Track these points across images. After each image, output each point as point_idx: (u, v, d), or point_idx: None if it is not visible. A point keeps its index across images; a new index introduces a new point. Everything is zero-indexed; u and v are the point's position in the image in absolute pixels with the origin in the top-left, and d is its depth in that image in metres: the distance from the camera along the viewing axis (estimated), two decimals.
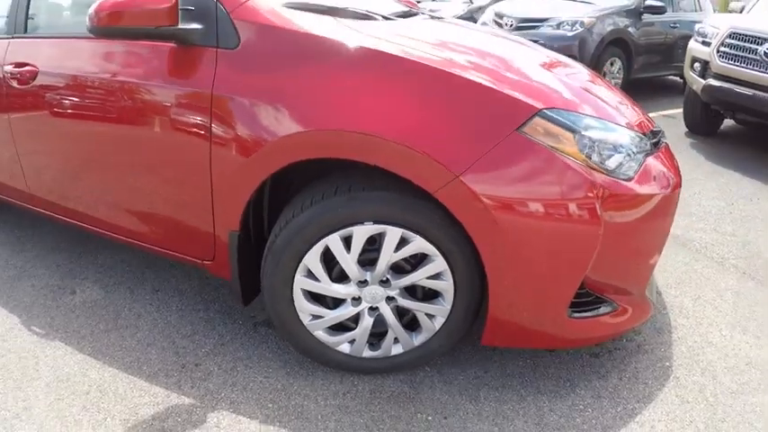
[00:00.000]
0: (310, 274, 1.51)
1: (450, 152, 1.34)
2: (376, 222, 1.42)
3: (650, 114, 5.33)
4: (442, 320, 1.56)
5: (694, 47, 4.69)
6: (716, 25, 4.49)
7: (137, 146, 1.78)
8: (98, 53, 1.87)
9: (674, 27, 6.60)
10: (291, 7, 1.65)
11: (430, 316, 1.57)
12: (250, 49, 1.54)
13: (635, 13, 6.14)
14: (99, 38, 1.79)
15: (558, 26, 5.81)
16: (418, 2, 10.36)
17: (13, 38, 2.22)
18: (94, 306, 2.22)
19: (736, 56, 4.18)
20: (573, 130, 1.41)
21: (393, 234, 1.43)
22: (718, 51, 4.30)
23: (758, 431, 1.58)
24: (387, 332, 1.60)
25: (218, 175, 1.58)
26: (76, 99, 1.92)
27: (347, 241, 1.46)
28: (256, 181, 1.51)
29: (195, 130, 1.60)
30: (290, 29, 1.52)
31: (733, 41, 4.21)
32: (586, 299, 1.55)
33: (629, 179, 1.47)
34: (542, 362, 1.82)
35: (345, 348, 1.64)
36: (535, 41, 5.29)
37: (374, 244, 1.51)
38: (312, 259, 1.48)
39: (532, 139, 1.37)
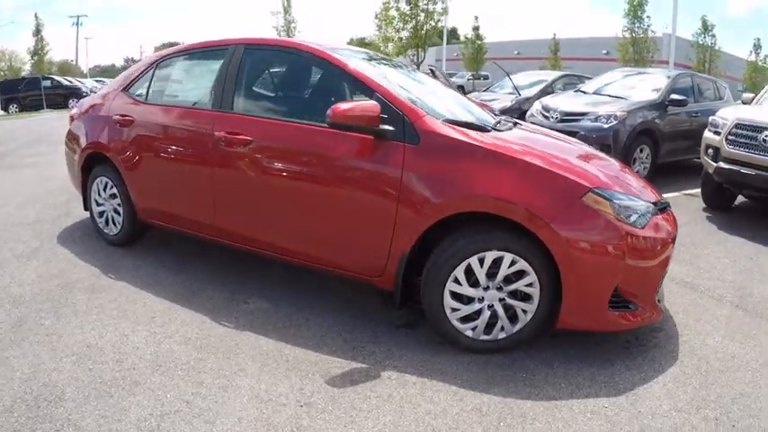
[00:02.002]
0: (456, 281, 2.58)
1: (546, 210, 2.46)
2: (498, 250, 2.52)
3: (673, 193, 6.45)
4: (531, 314, 2.61)
5: (708, 135, 5.75)
6: (725, 117, 5.56)
7: (335, 199, 2.86)
8: (310, 134, 2.96)
9: (696, 116, 7.65)
10: (445, 123, 2.81)
11: (524, 311, 2.62)
12: (426, 146, 2.66)
13: (661, 107, 7.26)
14: (332, 128, 2.78)
15: (596, 119, 6.94)
16: (468, 93, 11.85)
17: (221, 112, 3.33)
18: (267, 312, 3.12)
19: (741, 143, 5.21)
20: (609, 200, 2.52)
21: (507, 258, 2.51)
22: (726, 139, 5.33)
23: (734, 390, 2.53)
24: (496, 323, 2.65)
25: (401, 220, 2.67)
26: (286, 164, 3.04)
27: (481, 261, 2.55)
28: (429, 223, 2.60)
29: (387, 191, 2.69)
30: (448, 136, 2.68)
31: (738, 131, 5.24)
32: (618, 300, 2.59)
33: (642, 227, 2.55)
34: (592, 349, 2.80)
35: (469, 333, 2.67)
36: (576, 132, 6.46)
37: (493, 264, 2.57)
38: (459, 271, 2.55)
39: (588, 204, 2.49)
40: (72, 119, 4.52)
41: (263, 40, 3.69)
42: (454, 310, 2.64)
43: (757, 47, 36.06)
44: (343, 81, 3.20)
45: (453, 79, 32.18)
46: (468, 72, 35.92)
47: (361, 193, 2.81)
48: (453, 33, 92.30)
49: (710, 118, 5.90)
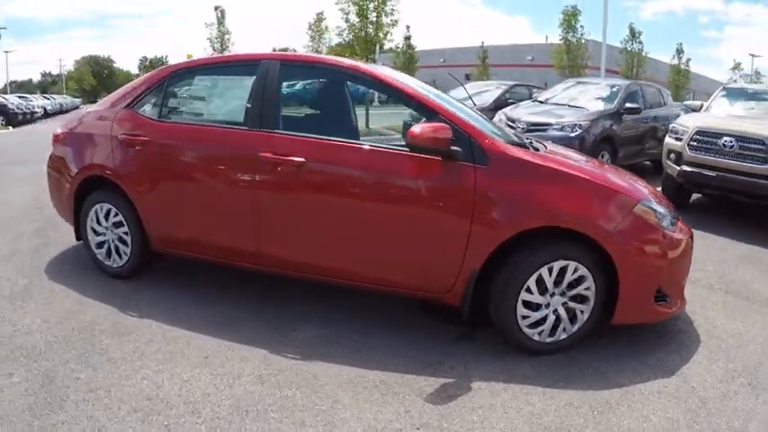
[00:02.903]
0: (528, 290, 2.89)
1: (607, 222, 2.85)
2: (565, 259, 2.86)
3: None
4: (587, 314, 3.00)
5: (669, 141, 6.44)
6: (685, 125, 6.26)
7: (403, 219, 2.92)
8: (372, 155, 3.00)
9: (646, 122, 8.48)
10: (508, 143, 3.10)
11: (581, 312, 3.01)
12: (496, 166, 2.85)
13: (617, 115, 7.99)
14: (411, 150, 2.86)
15: (562, 129, 7.56)
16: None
17: (265, 131, 3.17)
18: (325, 339, 3.06)
19: (702, 147, 5.90)
20: (653, 210, 2.97)
21: (572, 265, 2.87)
22: (689, 145, 6.02)
23: (753, 360, 3.03)
24: (559, 325, 3.00)
25: (474, 238, 2.83)
26: (347, 185, 3.02)
27: (550, 270, 2.87)
28: (501, 240, 2.81)
29: (461, 210, 2.84)
30: (515, 156, 2.95)
31: (699, 137, 5.94)
32: (658, 295, 3.02)
33: (673, 230, 3.01)
34: (633, 341, 3.19)
35: (536, 337, 2.98)
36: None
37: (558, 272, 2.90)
38: (532, 281, 2.87)
39: (638, 214, 2.90)
40: (57, 139, 4.09)
41: (302, 57, 3.80)
42: (524, 317, 2.93)
43: (680, 51, 38.83)
44: (403, 103, 3.26)
45: None
46: None
47: (432, 212, 2.92)
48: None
49: (671, 126, 6.61)
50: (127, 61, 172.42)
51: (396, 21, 28.24)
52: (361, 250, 3.11)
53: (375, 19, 27.66)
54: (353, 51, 27.72)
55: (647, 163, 9.33)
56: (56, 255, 4.39)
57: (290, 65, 3.51)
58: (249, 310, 3.45)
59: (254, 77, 3.39)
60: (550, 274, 2.88)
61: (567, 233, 2.86)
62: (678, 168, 6.11)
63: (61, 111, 37.28)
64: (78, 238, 4.03)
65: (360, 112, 3.59)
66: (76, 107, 45.28)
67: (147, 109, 3.74)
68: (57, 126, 4.33)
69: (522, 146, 3.20)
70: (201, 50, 35.41)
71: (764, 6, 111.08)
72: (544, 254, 2.85)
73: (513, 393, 2.65)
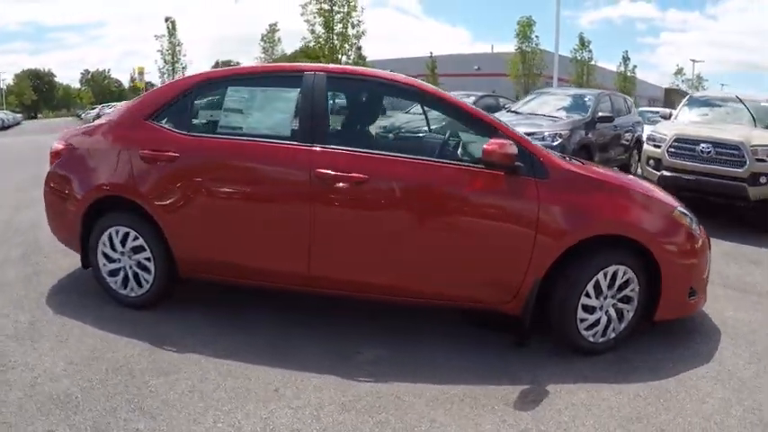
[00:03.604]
0: (587, 295, 3.16)
1: (654, 228, 3.20)
2: (617, 264, 3.14)
3: None
4: (632, 313, 3.33)
5: (648, 149, 6.99)
6: (663, 133, 6.82)
7: (468, 233, 3.04)
8: (435, 170, 3.09)
9: (616, 129, 9.08)
10: (562, 158, 3.40)
11: (627, 311, 3.33)
12: (555, 180, 3.07)
13: (591, 124, 8.52)
14: (485, 166, 3.02)
15: (543, 138, 7.95)
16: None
17: (319, 147, 3.11)
18: (391, 360, 3.05)
19: (681, 154, 6.46)
20: (685, 215, 3.34)
21: (621, 269, 3.17)
22: (668, 151, 6.57)
23: (757, 338, 3.48)
24: (609, 325, 3.26)
25: (538, 248, 3.01)
26: (410, 201, 3.09)
27: (605, 275, 3.15)
28: (563, 249, 3.03)
29: (526, 223, 3.01)
30: (571, 170, 3.22)
31: (678, 144, 6.51)
32: (690, 291, 3.37)
33: (698, 233, 3.40)
34: (668, 337, 3.51)
35: (591, 338, 3.24)
36: None
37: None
38: (590, 286, 3.14)
39: (676, 220, 3.28)
40: (57, 156, 3.70)
41: (349, 70, 3.76)
42: (582, 320, 3.19)
43: (626, 59, 40.71)
44: (458, 119, 3.41)
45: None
46: None
47: (498, 225, 3.08)
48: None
49: (648, 133, 7.18)
50: (68, 75, 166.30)
51: (362, 32, 28.48)
52: (423, 266, 3.15)
53: (341, 30, 27.73)
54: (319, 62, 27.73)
55: (615, 168, 9.94)
56: (52, 284, 3.99)
57: (339, 78, 3.49)
58: (295, 335, 3.33)
59: (300, 90, 3.30)
60: (605, 279, 3.17)
61: (615, 238, 3.15)
62: (658, 173, 6.65)
63: (2, 127, 35.57)
64: (85, 266, 3.68)
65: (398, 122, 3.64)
66: (18, 123, 43.36)
67: (171, 122, 3.46)
68: (52, 141, 3.96)
69: (563, 159, 3.51)
70: (152, 63, 34.75)
71: (700, 13, 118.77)
72: (600, 260, 3.14)
73: (587, 392, 2.89)
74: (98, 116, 22.92)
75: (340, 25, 27.88)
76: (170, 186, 3.34)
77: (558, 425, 2.60)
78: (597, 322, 3.25)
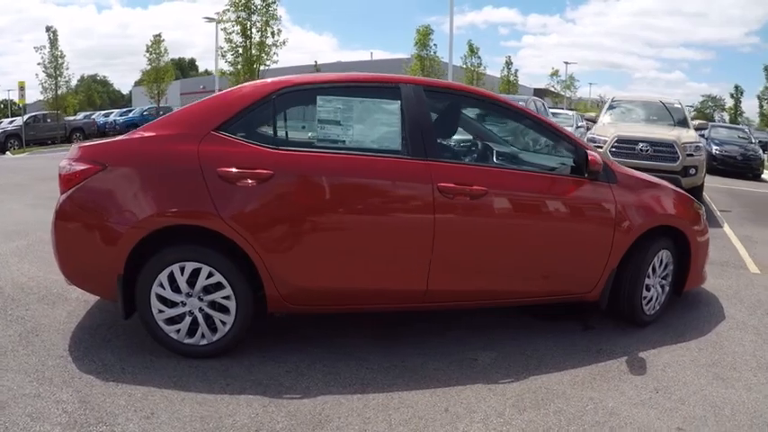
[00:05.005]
0: (648, 276, 3.81)
1: (686, 217, 4.00)
2: (663, 249, 3.87)
3: None
4: (669, 288, 4.06)
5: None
6: (603, 135, 7.91)
7: (566, 234, 3.47)
8: (537, 180, 3.50)
9: None
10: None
11: (666, 287, 4.08)
12: (622, 184, 3.64)
13: None
14: (588, 175, 3.47)
15: None
16: None
17: (429, 160, 3.15)
18: (509, 359, 3.29)
19: (623, 153, 7.58)
20: (700, 206, 4.23)
21: (666, 253, 3.90)
22: (610, 151, 7.67)
23: (747, 296, 4.47)
24: (656, 300, 4.04)
25: (616, 242, 3.55)
26: (520, 210, 3.39)
27: (659, 259, 3.93)
28: (631, 241, 3.62)
29: (608, 221, 3.54)
30: (630, 175, 3.83)
31: (619, 144, 7.63)
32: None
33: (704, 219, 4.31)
34: (679, 303, 4.38)
35: (649, 312, 3.91)
36: None
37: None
38: (650, 269, 3.80)
39: (696, 210, 4.14)
40: (79, 178, 2.99)
41: (445, 84, 4.02)
42: (644, 297, 3.85)
43: (509, 64, 43.47)
44: (541, 132, 3.76)
45: None
46: None
47: (590, 226, 3.57)
48: (192, 65, 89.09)
49: (588, 136, 8.27)
50: None
51: (284, 41, 27.74)
52: (530, 269, 3.49)
53: (259, 39, 27.03)
54: (237, 73, 26.88)
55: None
56: (65, 342, 3.26)
57: (436, 90, 3.55)
58: (407, 353, 3.35)
59: (400, 102, 3.25)
60: (659, 261, 3.90)
61: (664, 228, 3.86)
62: None
63: None
64: (128, 316, 3.05)
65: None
66: None
67: (248, 134, 3.11)
68: (56, 160, 3.49)
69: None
70: (33, 76, 31.69)
71: (560, 17, 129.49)
72: (656, 247, 3.85)
73: (670, 355, 3.55)
74: None
75: (258, 34, 27.25)
76: (264, 209, 2.99)
77: (673, 388, 3.09)
78: (651, 298, 3.97)
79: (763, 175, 16.13)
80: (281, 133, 3.33)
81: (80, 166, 3.05)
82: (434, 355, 3.36)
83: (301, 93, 3.36)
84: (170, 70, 32.25)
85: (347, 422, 2.63)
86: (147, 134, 3.19)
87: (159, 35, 31.36)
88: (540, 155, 4.03)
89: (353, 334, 3.57)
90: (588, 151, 3.54)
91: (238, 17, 26.59)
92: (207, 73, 70.12)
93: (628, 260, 3.76)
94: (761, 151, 16.77)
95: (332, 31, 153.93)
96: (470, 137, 4.20)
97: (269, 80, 3.36)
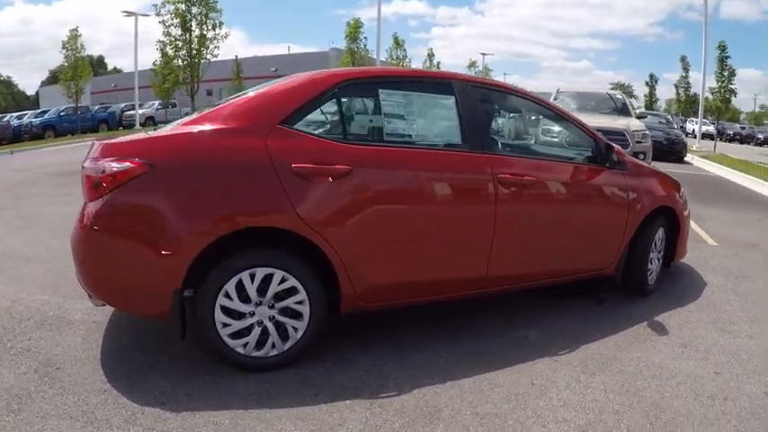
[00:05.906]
0: (652, 251, 4.48)
1: (678, 198, 4.71)
2: (661, 226, 4.55)
3: None
4: (661, 261, 4.84)
5: None
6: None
7: (597, 216, 3.99)
8: (570, 169, 3.92)
9: None
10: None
11: (659, 259, 4.78)
12: (631, 171, 4.14)
13: None
14: (610, 165, 4.01)
15: None
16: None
17: (488, 153, 3.38)
18: (549, 335, 3.63)
19: None
20: (682, 188, 4.98)
21: (662, 230, 4.59)
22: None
23: (723, 265, 5.34)
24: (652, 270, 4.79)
25: (629, 222, 4.08)
26: (559, 196, 3.75)
27: (658, 235, 4.65)
28: (642, 218, 4.18)
29: (623, 204, 4.04)
30: (636, 163, 4.39)
31: None
32: None
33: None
34: (669, 278, 5.16)
35: (652, 282, 4.52)
36: None
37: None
38: (653, 244, 4.51)
39: (681, 192, 4.86)
40: (120, 179, 2.62)
41: (488, 82, 4.47)
42: (649, 271, 4.48)
43: (431, 56, 44.20)
44: (567, 128, 4.27)
45: (141, 111, 30.81)
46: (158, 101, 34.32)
47: (612, 208, 4.08)
48: (101, 63, 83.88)
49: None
50: None
51: (225, 35, 26.98)
52: (568, 250, 3.95)
53: (199, 32, 26.08)
54: (175, 69, 26.07)
55: None
56: (98, 374, 2.82)
57: (480, 87, 3.73)
58: (462, 336, 3.59)
59: (454, 97, 3.39)
60: (658, 237, 4.56)
61: (662, 209, 4.49)
62: None
63: None
64: (183, 336, 2.76)
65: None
66: None
67: (313, 127, 3.06)
68: (75, 156, 3.11)
69: None
70: None
71: (469, 8, 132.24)
72: (657, 224, 4.50)
73: (679, 317, 4.11)
74: None
75: (198, 27, 26.28)
76: (342, 206, 2.90)
77: (693, 337, 3.72)
78: (652, 271, 4.62)
79: (685, 158, 17.79)
80: (348, 127, 3.25)
81: (119, 166, 2.66)
82: (488, 336, 3.64)
83: (363, 86, 3.36)
84: (88, 67, 30.39)
85: (457, 409, 2.73)
86: (197, 129, 2.90)
87: (76, 29, 29.31)
88: (566, 147, 4.54)
89: (396, 329, 3.64)
90: (611, 143, 4.12)
91: (177, 9, 25.74)
92: (116, 71, 66.75)
93: (637, 238, 4.36)
94: (683, 135, 18.77)
95: (240, 25, 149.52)
96: (512, 130, 4.70)
97: (326, 72, 3.38)
